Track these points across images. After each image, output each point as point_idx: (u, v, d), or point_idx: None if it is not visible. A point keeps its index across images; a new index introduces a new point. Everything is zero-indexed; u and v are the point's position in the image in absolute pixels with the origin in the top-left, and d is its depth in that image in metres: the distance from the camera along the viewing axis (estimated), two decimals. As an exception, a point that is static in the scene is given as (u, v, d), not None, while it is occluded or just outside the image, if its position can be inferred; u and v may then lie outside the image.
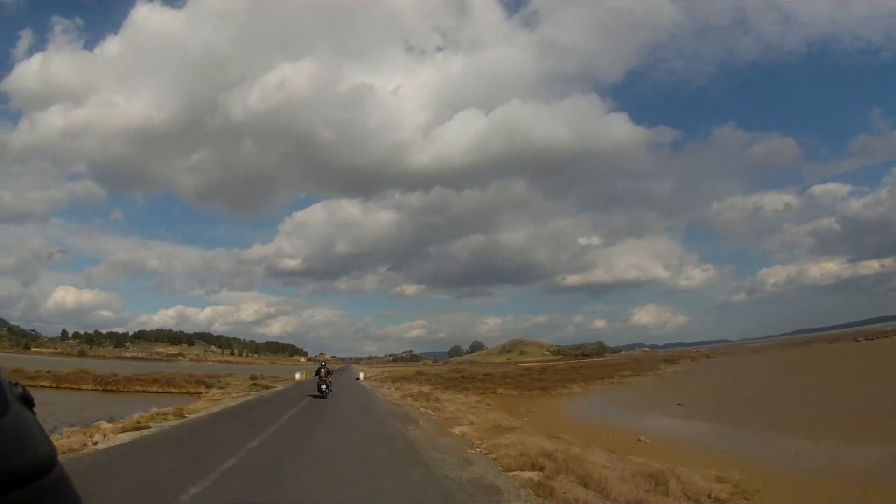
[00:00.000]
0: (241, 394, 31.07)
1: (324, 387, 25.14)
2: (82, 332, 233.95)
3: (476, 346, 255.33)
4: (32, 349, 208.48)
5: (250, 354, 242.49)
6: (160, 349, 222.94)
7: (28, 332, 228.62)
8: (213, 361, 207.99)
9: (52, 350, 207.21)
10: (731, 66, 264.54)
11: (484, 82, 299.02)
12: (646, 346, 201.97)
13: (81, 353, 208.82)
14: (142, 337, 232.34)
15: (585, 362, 79.80)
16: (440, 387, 37.65)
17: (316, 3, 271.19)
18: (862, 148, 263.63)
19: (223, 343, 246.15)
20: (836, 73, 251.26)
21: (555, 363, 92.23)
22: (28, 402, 0.88)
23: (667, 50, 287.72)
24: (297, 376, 49.53)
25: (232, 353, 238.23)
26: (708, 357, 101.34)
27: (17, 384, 0.88)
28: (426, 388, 32.80)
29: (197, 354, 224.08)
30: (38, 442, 0.84)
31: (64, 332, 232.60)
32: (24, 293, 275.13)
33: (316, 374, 26.41)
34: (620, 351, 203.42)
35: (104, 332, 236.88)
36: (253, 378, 46.41)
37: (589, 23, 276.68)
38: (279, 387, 37.47)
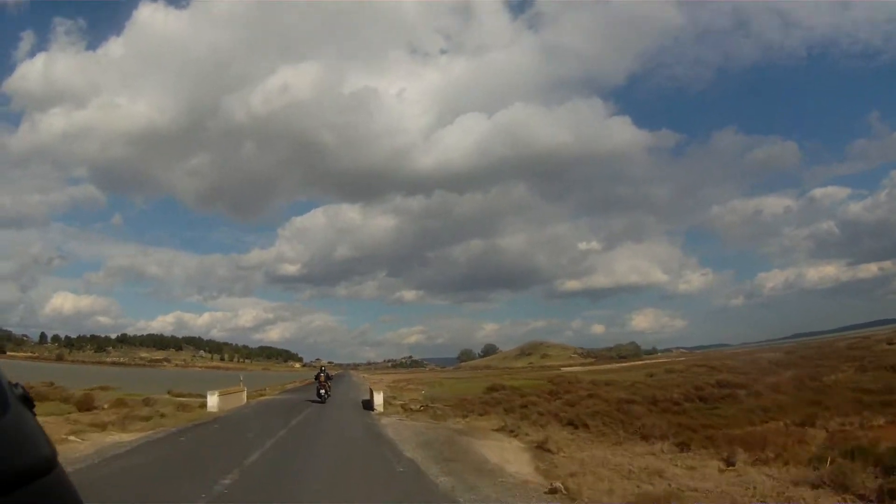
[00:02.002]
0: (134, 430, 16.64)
1: (323, 391, 26.48)
2: (63, 336, 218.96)
3: (489, 350, 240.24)
4: (8, 353, 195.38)
5: (242, 360, 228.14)
6: (144, 354, 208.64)
7: (14, 336, 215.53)
8: (201, 367, 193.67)
9: (28, 354, 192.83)
10: (731, 70, 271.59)
11: (487, 85, 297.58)
12: (684, 349, 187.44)
13: (59, 358, 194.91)
14: (125, 341, 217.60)
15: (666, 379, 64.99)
16: (487, 414, 24.18)
17: (320, 5, 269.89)
18: (861, 151, 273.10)
19: (213, 348, 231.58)
20: (835, 76, 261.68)
21: (596, 367, 77.62)
22: (28, 402, 0.87)
23: (669, 54, 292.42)
24: (210, 402, 22.90)
25: (222, 359, 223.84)
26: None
27: (17, 384, 0.87)
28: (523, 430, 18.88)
29: (184, 360, 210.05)
30: (38, 442, 0.83)
31: (42, 336, 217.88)
32: (23, 299, 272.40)
33: (315, 379, 28.09)
34: (657, 353, 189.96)
35: (87, 335, 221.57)
36: (180, 396, 29.93)
37: (593, 25, 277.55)
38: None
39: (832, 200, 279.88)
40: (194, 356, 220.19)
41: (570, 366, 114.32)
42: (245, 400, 28.72)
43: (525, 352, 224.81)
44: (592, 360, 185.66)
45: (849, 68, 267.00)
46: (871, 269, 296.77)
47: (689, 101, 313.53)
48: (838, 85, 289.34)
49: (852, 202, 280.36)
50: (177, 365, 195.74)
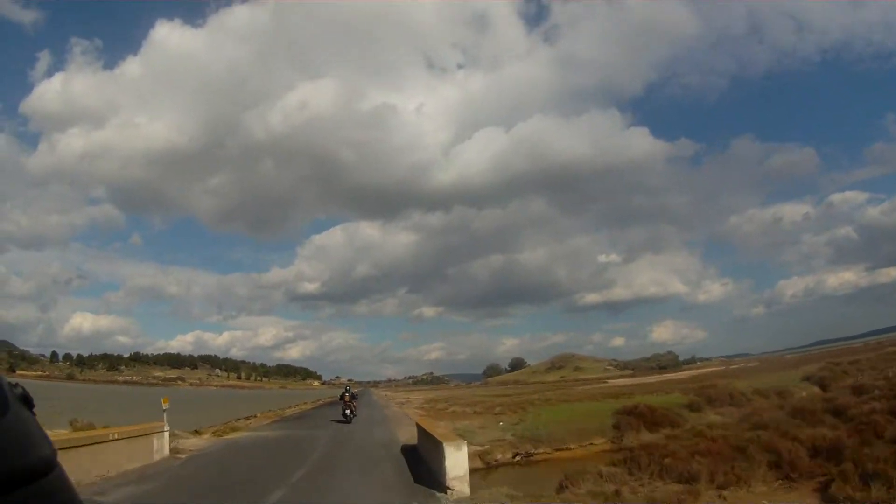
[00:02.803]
0: None
1: (348, 411, 24.11)
2: (74, 355, 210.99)
3: (517, 364, 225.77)
4: (18, 371, 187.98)
5: (259, 378, 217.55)
6: (158, 373, 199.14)
7: (29, 355, 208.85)
8: (216, 386, 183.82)
9: (38, 373, 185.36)
10: (746, 77, 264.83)
11: (505, 99, 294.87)
12: (723, 357, 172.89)
13: (70, 377, 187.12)
14: (139, 359, 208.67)
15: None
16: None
17: (337, 22, 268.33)
18: (879, 155, 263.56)
19: (230, 366, 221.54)
20: (850, 79, 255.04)
21: (644, 380, 63.58)
22: (28, 402, 0.87)
23: (685, 62, 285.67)
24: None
25: (239, 377, 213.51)
26: None
27: (17, 384, 0.87)
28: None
29: (199, 378, 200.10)
30: (38, 442, 0.82)
31: (54, 354, 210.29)
32: (43, 318, 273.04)
33: (340, 399, 25.00)
34: (696, 362, 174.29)
35: (100, 354, 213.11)
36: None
37: (609, 36, 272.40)
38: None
39: (850, 205, 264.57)
40: (210, 375, 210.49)
41: (610, 379, 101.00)
42: (164, 451, 15.37)
43: (556, 365, 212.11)
44: (630, 371, 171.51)
45: (864, 71, 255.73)
46: (890, 274, 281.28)
47: (706, 110, 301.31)
48: (854, 88, 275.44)
49: (870, 206, 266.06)
50: (191, 384, 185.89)
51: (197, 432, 20.11)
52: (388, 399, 71.43)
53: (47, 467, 0.81)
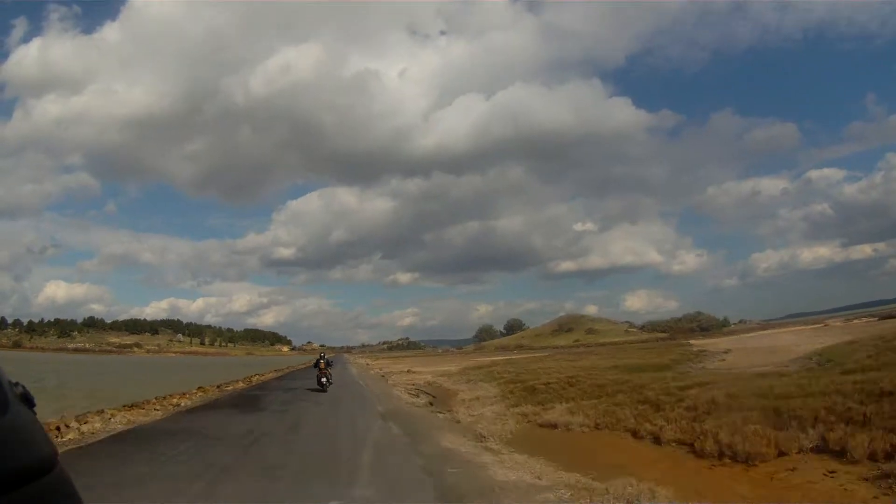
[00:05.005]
0: None
1: (324, 380, 21.94)
2: (24, 321, 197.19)
3: (514, 326, 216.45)
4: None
5: (224, 343, 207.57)
6: (114, 339, 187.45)
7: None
8: (176, 353, 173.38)
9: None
10: (729, 52, 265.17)
11: (487, 66, 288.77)
12: (758, 320, 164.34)
13: (16, 345, 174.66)
14: (94, 325, 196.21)
15: None
16: None
17: None
18: (857, 133, 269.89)
19: (193, 331, 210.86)
20: (831, 58, 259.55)
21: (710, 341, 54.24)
22: (28, 400, 0.86)
23: (668, 35, 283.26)
24: None
25: (202, 343, 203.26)
26: None
27: (17, 383, 0.86)
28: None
29: (157, 345, 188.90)
30: (38, 441, 0.82)
31: (2, 321, 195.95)
32: (17, 288, 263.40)
33: (315, 366, 23.44)
34: (729, 325, 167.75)
35: (52, 320, 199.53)
36: None
37: (593, 6, 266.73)
38: None
39: (828, 182, 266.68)
40: (171, 341, 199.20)
41: (642, 342, 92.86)
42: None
43: (563, 327, 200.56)
44: (663, 333, 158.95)
45: (845, 51, 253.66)
46: (864, 251, 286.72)
47: (688, 83, 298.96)
48: (835, 67, 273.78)
49: (847, 184, 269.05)
50: (148, 351, 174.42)
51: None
52: (365, 369, 56.43)
53: (48, 466, 0.80)
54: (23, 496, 0.75)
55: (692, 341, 70.73)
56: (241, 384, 28.98)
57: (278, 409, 16.43)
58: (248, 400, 19.73)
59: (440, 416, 15.70)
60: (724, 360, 31.95)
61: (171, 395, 19.41)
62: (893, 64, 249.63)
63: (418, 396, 22.96)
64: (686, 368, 27.17)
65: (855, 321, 75.59)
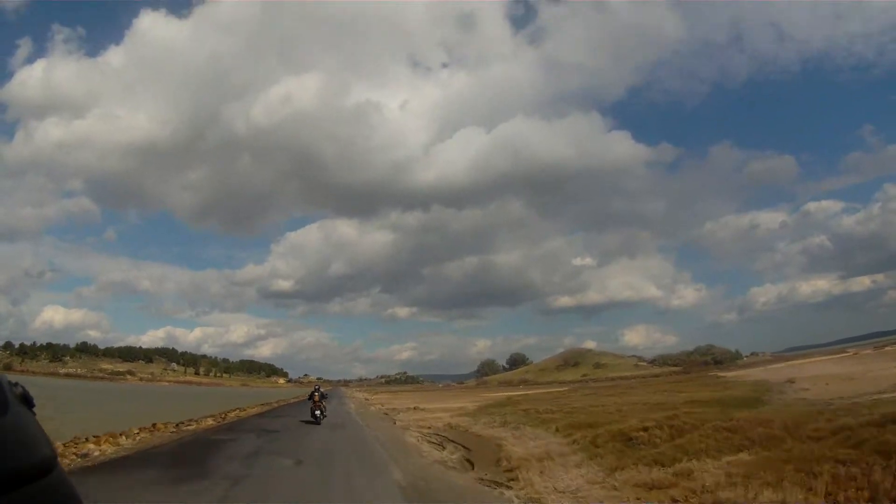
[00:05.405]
0: None
1: (318, 412, 22.18)
2: (16, 344, 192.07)
3: (518, 361, 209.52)
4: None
5: (219, 374, 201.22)
6: (106, 366, 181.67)
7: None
8: (169, 382, 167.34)
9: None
10: (727, 84, 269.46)
11: (487, 99, 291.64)
12: (772, 353, 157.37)
13: (7, 368, 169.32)
14: (86, 351, 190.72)
15: None
16: None
17: (324, 17, 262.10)
18: (855, 165, 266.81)
19: (188, 361, 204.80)
20: (829, 89, 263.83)
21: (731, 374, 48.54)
22: (28, 402, 0.86)
23: (668, 67, 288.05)
24: None
25: (197, 373, 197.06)
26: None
27: (16, 384, 0.86)
28: None
29: (151, 373, 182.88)
30: (38, 442, 0.81)
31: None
32: (14, 312, 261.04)
33: (309, 399, 23.44)
34: (742, 357, 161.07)
35: (44, 344, 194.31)
36: None
37: (594, 39, 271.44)
38: None
39: (826, 214, 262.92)
40: (165, 369, 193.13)
41: (655, 375, 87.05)
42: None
43: (570, 362, 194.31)
44: (681, 367, 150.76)
45: (843, 81, 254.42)
46: (863, 283, 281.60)
47: (687, 115, 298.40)
48: (832, 98, 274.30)
49: (846, 215, 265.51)
50: (141, 379, 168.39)
51: None
52: (365, 405, 54.55)
53: (48, 467, 0.80)
54: (22, 497, 0.74)
55: (718, 373, 65.82)
56: (209, 421, 24.26)
57: (233, 471, 10.84)
58: (201, 449, 14.66)
59: (503, 492, 9.84)
60: (808, 389, 27.11)
61: (97, 437, 14.83)
62: (891, 94, 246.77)
63: (443, 447, 16.96)
64: (778, 401, 22.44)
65: (887, 348, 72.79)
